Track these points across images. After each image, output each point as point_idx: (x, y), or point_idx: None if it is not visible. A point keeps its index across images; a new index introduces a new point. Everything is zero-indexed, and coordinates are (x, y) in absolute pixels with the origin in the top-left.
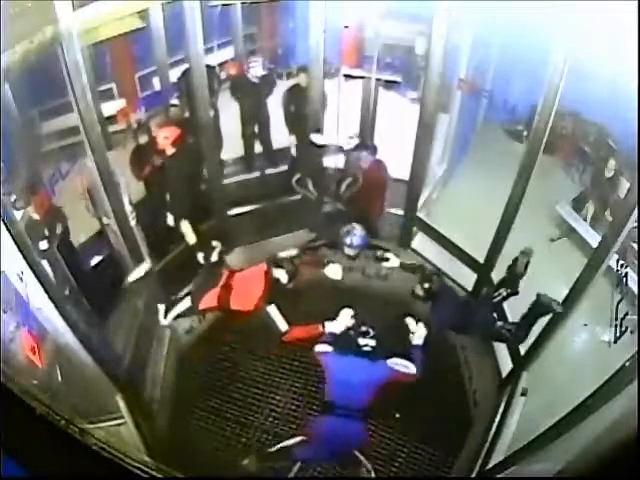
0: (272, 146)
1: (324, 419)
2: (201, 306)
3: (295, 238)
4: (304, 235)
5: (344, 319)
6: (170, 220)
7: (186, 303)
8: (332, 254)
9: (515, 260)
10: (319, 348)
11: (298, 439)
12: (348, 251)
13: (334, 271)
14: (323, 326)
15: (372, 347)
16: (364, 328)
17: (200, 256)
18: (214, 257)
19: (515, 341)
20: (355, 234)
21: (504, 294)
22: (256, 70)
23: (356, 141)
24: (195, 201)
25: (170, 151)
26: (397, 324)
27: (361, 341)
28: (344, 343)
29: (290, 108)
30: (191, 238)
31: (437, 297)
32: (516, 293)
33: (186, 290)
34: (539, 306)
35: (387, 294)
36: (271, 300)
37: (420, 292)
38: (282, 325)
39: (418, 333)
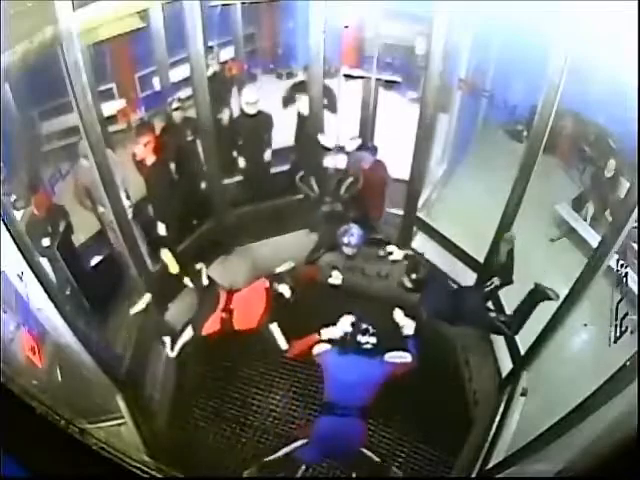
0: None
1: (324, 420)
2: (204, 332)
3: (295, 238)
4: (304, 236)
5: (344, 325)
6: (161, 229)
7: (189, 332)
8: (330, 255)
9: (496, 246)
10: (318, 349)
11: (299, 443)
12: (346, 250)
13: (334, 277)
14: (319, 334)
15: (373, 344)
16: (364, 326)
17: (188, 281)
18: (204, 281)
19: (510, 332)
20: (352, 233)
21: (497, 283)
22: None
23: (358, 142)
24: (192, 203)
25: (151, 160)
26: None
27: (362, 339)
28: (344, 342)
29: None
30: (174, 267)
31: (425, 286)
32: (509, 283)
33: (186, 318)
34: (536, 294)
35: (387, 294)
36: (273, 317)
37: (408, 283)
38: (282, 344)
39: (406, 324)
